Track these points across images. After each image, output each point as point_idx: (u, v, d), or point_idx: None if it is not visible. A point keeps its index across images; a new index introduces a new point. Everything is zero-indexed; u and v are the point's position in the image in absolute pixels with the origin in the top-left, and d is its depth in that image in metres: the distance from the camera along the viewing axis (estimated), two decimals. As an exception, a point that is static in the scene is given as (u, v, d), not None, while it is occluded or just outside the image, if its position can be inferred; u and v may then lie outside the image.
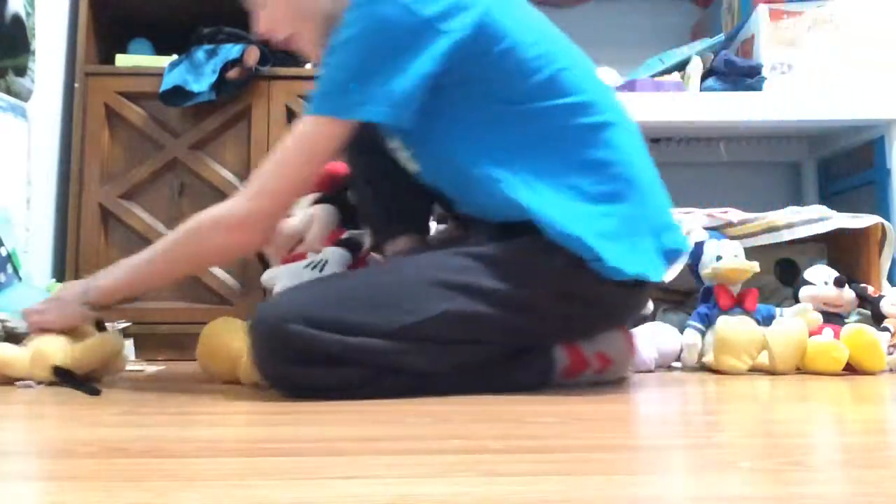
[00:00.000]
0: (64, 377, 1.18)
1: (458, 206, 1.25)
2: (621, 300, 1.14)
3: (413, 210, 1.36)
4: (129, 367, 1.44)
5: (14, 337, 1.32)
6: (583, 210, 1.08)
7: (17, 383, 1.24)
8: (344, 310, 1.05)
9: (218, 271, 1.86)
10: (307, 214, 1.41)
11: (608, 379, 1.22)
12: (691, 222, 1.69)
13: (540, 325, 1.12)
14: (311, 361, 1.03)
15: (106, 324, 1.36)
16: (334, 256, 1.33)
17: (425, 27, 1.05)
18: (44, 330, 1.23)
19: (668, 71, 2.04)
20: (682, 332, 1.49)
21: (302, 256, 1.36)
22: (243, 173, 1.82)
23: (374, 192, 1.36)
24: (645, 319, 1.54)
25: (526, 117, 1.11)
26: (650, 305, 1.59)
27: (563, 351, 1.16)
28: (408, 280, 1.09)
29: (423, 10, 1.05)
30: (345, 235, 1.39)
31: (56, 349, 1.21)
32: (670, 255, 1.13)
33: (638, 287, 1.12)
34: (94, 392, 1.11)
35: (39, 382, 1.23)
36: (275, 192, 1.09)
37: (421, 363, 1.06)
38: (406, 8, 1.04)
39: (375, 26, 1.05)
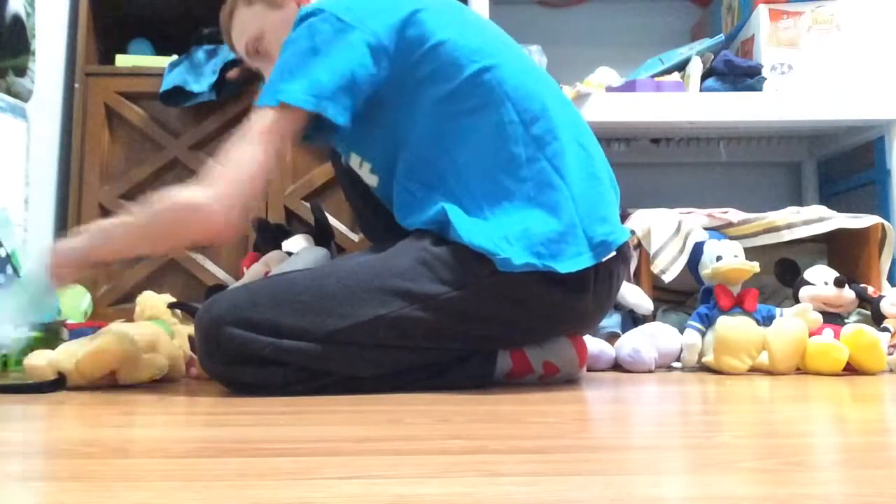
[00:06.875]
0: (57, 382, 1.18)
1: (399, 219, 1.22)
2: (556, 301, 1.12)
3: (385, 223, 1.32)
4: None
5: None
6: (492, 216, 1.10)
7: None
8: (278, 313, 1.08)
9: (212, 267, 1.86)
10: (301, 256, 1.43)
11: (556, 382, 1.22)
12: (691, 222, 1.69)
13: (480, 329, 1.12)
14: (245, 362, 1.08)
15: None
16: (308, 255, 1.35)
17: (347, 28, 1.12)
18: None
19: (668, 71, 2.04)
20: (682, 332, 1.49)
21: None
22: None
23: (354, 207, 1.44)
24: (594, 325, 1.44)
25: (455, 119, 1.13)
26: (617, 318, 1.58)
27: (507, 355, 1.17)
28: (345, 284, 1.10)
29: (345, 15, 1.13)
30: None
31: (65, 356, 1.19)
32: (599, 249, 1.11)
33: (573, 288, 1.11)
34: (45, 390, 1.13)
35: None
36: (235, 180, 1.09)
37: (351, 367, 1.09)
38: (331, 15, 1.13)
39: (304, 33, 1.13)
